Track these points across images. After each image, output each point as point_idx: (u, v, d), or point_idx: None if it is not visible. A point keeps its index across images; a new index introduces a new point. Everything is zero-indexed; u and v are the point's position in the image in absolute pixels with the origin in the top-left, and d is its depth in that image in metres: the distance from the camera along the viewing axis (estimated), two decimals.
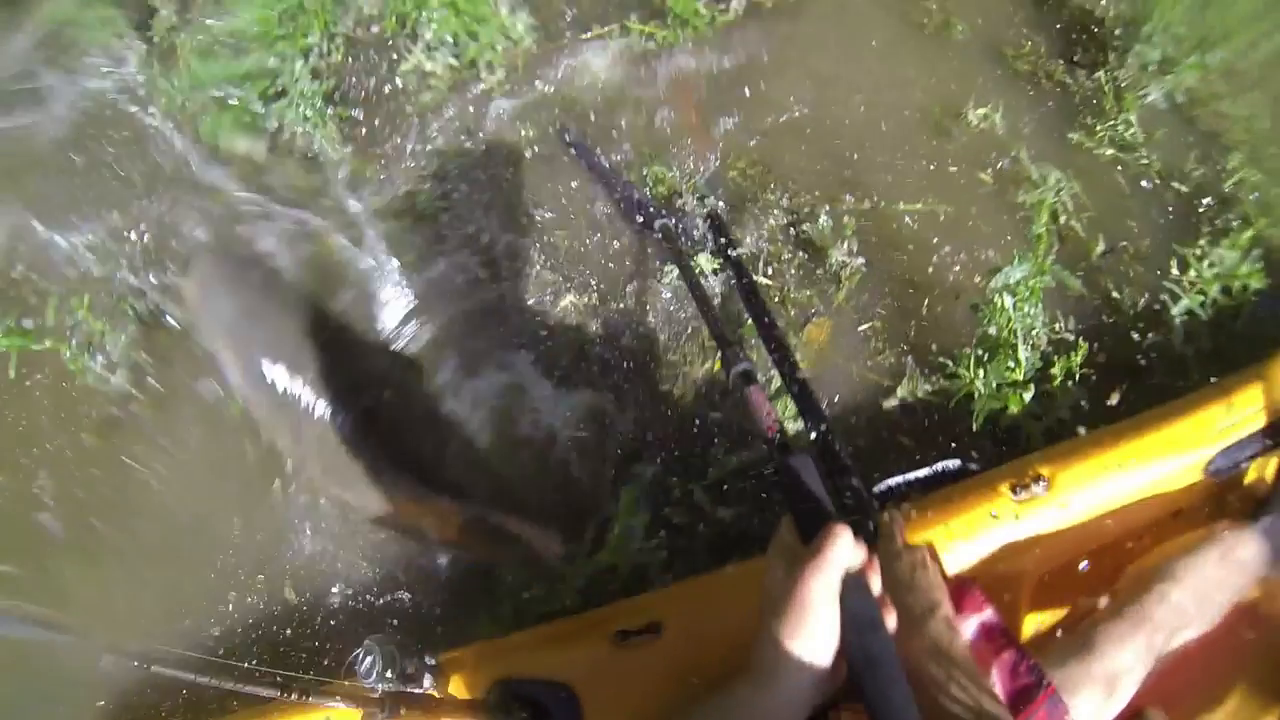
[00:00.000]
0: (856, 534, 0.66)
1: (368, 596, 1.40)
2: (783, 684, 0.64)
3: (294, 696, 0.79)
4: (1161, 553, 1.03)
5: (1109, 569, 1.08)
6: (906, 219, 1.59)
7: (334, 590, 1.42)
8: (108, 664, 0.70)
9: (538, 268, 1.61)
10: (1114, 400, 1.36)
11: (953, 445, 1.35)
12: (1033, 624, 1.10)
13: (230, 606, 1.46)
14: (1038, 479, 1.03)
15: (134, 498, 1.65)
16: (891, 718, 0.60)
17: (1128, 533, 1.11)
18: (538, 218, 1.66)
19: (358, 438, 1.24)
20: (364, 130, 1.89)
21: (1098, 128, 1.65)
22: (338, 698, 0.81)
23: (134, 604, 1.60)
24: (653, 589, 1.20)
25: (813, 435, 0.87)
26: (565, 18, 1.86)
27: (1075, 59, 1.75)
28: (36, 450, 1.82)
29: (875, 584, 0.66)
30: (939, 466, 1.09)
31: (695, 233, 1.52)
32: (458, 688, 1.09)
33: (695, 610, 1.06)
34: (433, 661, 0.97)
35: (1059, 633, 1.07)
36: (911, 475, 1.07)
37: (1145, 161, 1.62)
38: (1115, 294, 1.52)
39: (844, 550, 0.63)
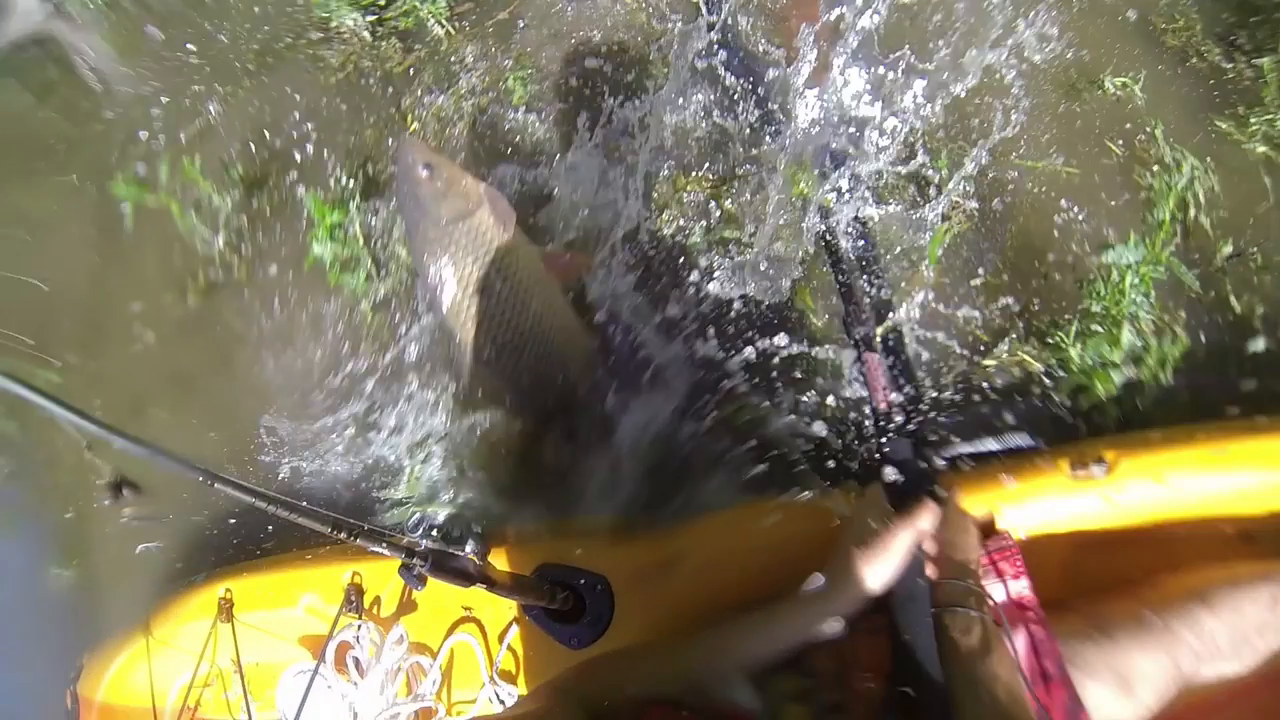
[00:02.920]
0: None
1: (431, 473, 1.48)
2: (847, 593, 0.82)
3: (341, 534, 0.83)
4: (1206, 575, 0.96)
5: (1157, 565, 1.02)
6: (1027, 178, 1.50)
7: (400, 462, 1.50)
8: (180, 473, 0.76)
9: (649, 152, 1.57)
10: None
11: (1034, 412, 1.30)
12: (1056, 592, 1.04)
13: (300, 462, 1.57)
14: (1099, 460, 0.99)
15: (228, 353, 1.79)
16: (916, 643, 0.81)
17: (1188, 544, 1.02)
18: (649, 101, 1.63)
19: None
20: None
21: (1251, 120, 1.50)
22: (383, 544, 0.86)
23: (212, 449, 1.76)
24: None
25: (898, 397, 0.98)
26: None
27: (1236, 41, 1.60)
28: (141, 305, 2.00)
29: (930, 545, 0.88)
30: (1010, 442, 1.09)
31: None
32: (500, 562, 1.16)
33: (726, 538, 1.10)
34: (478, 530, 1.02)
35: (1076, 610, 1.01)
36: (983, 448, 1.07)
37: None
38: (1234, 301, 1.42)
39: (930, 524, 0.86)
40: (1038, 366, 1.34)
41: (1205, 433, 1.03)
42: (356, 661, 1.25)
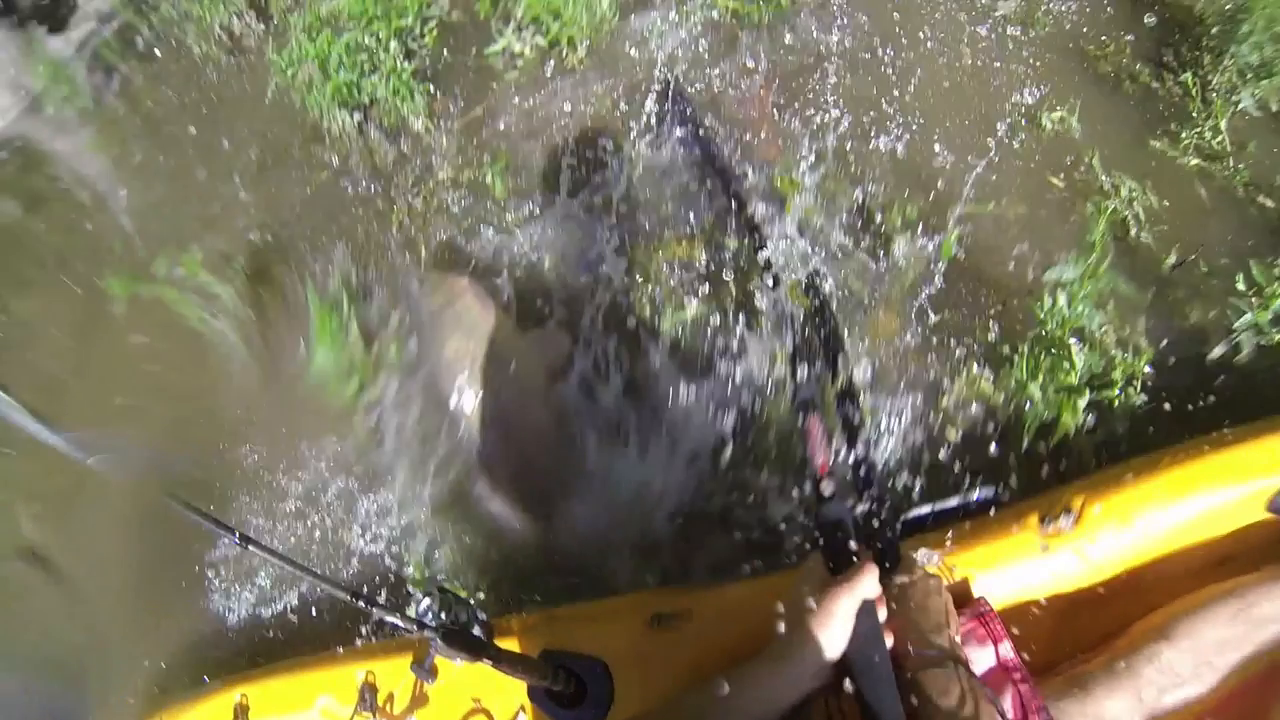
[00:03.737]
0: (879, 561, 0.85)
1: (435, 552, 1.55)
2: (794, 668, 0.82)
3: (361, 603, 0.86)
4: (1170, 610, 0.96)
5: (1134, 614, 1.01)
6: (974, 222, 1.57)
7: (399, 543, 1.57)
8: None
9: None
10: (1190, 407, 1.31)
11: (1004, 460, 1.32)
12: (1044, 659, 1.05)
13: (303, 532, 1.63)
14: (1067, 510, 1.00)
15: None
16: (880, 708, 0.78)
17: (1162, 585, 1.00)
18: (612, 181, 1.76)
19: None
20: (450, 105, 2.09)
21: (1183, 135, 1.57)
22: (398, 616, 0.88)
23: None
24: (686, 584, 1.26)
25: (853, 459, 0.94)
26: None
27: (1164, 60, 1.67)
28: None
29: (882, 612, 0.84)
30: (972, 496, 1.10)
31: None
32: (504, 646, 1.19)
33: (721, 608, 1.12)
34: (484, 618, 1.06)
35: (1061, 673, 1.02)
36: (941, 505, 1.09)
37: (1231, 172, 1.54)
38: (1187, 308, 1.47)
39: (869, 586, 0.82)
40: (997, 397, 1.37)
41: (1171, 458, 1.03)
42: None
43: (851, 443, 0.96)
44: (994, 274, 1.52)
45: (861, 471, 0.94)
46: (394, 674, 1.31)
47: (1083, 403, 1.32)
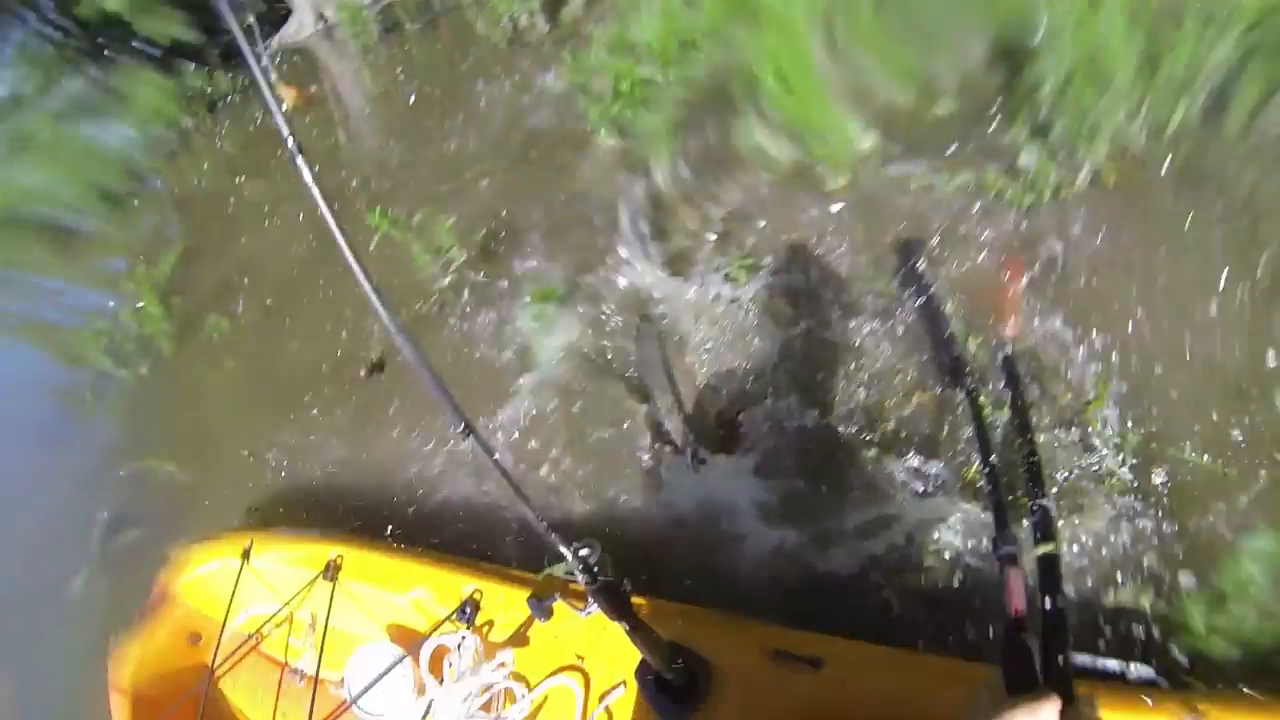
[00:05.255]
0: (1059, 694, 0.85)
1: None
2: None
3: (544, 524, 0.91)
4: None
5: None
6: (1185, 469, 1.58)
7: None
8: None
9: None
10: None
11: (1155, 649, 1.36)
12: None
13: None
14: (1195, 710, 1.01)
15: None
16: None
17: None
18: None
19: None
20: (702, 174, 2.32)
21: None
22: (571, 549, 0.94)
23: None
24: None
25: (1048, 606, 1.00)
26: (916, 145, 2.10)
27: None
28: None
29: None
30: (1132, 667, 1.14)
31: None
32: None
33: (856, 666, 1.13)
34: (628, 587, 1.12)
35: None
36: (1108, 663, 1.13)
37: None
38: None
39: (1048, 713, 0.82)
40: (1158, 613, 1.40)
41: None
42: (449, 666, 1.30)
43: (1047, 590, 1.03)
44: (1189, 522, 1.52)
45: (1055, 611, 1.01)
46: (501, 603, 1.36)
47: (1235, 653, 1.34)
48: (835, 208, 2.18)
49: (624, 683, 1.20)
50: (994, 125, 1.97)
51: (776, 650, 1.17)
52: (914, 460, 1.69)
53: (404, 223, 2.67)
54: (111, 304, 3.68)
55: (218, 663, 1.48)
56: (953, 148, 2.05)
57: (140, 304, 3.45)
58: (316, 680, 1.39)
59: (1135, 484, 1.57)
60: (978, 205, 1.99)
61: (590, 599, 1.00)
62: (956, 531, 1.56)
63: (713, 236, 2.27)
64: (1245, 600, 1.33)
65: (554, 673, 1.25)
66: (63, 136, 5.11)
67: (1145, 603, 1.42)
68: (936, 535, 1.55)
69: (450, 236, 2.65)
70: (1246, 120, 1.76)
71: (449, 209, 2.84)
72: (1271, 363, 1.63)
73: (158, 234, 4.39)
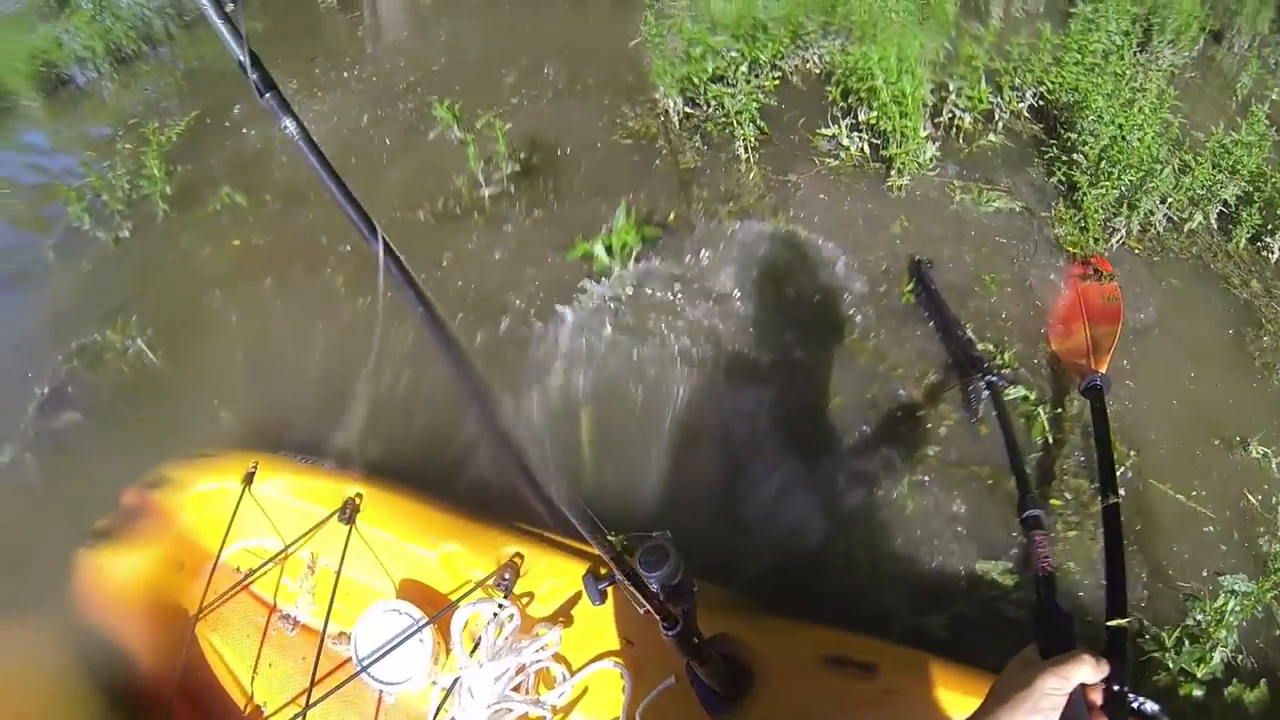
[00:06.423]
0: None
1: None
2: None
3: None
4: None
5: None
6: (1172, 501, 1.72)
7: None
8: None
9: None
10: None
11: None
12: None
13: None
14: None
15: None
16: None
17: None
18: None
19: None
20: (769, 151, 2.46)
21: None
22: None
23: None
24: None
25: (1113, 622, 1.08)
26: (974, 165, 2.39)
27: None
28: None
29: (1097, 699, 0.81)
30: (1136, 701, 1.16)
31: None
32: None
33: (913, 674, 1.12)
34: (695, 587, 1.05)
35: None
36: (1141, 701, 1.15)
37: None
38: None
39: (1082, 673, 0.79)
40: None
41: None
42: (484, 639, 1.21)
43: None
44: (1160, 555, 1.65)
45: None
46: (543, 571, 1.27)
47: (1199, 693, 1.43)
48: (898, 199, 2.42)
49: (675, 675, 1.15)
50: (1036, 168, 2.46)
51: (832, 656, 1.15)
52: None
53: (468, 122, 2.64)
54: (106, 163, 3.19)
55: (205, 600, 1.34)
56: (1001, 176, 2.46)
57: (139, 164, 3.00)
58: (323, 636, 1.28)
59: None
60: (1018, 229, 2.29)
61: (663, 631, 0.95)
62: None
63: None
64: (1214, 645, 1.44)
65: (599, 657, 1.19)
66: None
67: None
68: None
69: (507, 146, 2.63)
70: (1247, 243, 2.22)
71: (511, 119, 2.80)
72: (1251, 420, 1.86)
73: (167, 102, 3.91)
